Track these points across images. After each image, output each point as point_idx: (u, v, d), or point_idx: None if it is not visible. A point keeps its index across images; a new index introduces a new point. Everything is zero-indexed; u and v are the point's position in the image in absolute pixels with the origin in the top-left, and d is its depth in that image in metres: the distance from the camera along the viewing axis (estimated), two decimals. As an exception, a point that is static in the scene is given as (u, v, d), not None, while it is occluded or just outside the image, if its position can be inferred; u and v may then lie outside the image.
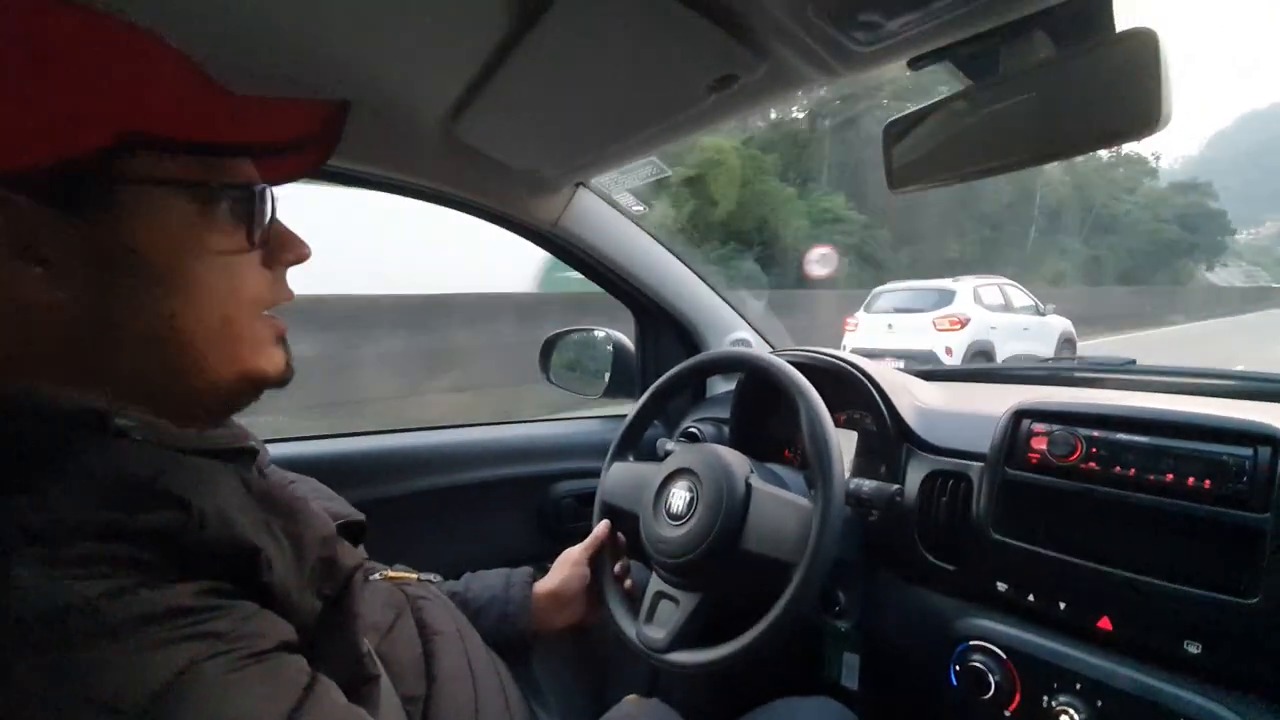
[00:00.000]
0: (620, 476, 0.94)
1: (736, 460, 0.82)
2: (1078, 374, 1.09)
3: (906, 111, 0.69)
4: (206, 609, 0.36)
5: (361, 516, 0.61)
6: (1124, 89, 0.54)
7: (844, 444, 0.98)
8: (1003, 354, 7.16)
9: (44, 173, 0.37)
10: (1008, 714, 0.72)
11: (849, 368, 0.99)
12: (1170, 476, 0.65)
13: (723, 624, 0.76)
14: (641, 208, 1.20)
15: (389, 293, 7.07)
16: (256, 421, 0.54)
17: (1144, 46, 0.52)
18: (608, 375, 1.38)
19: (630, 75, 0.73)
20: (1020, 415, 0.77)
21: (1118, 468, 0.68)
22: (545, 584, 0.84)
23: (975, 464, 0.81)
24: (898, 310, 7.62)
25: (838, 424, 0.78)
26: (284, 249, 0.49)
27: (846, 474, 0.77)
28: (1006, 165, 0.66)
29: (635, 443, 0.99)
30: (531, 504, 1.28)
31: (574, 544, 0.92)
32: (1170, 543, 0.65)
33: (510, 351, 6.88)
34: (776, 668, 0.99)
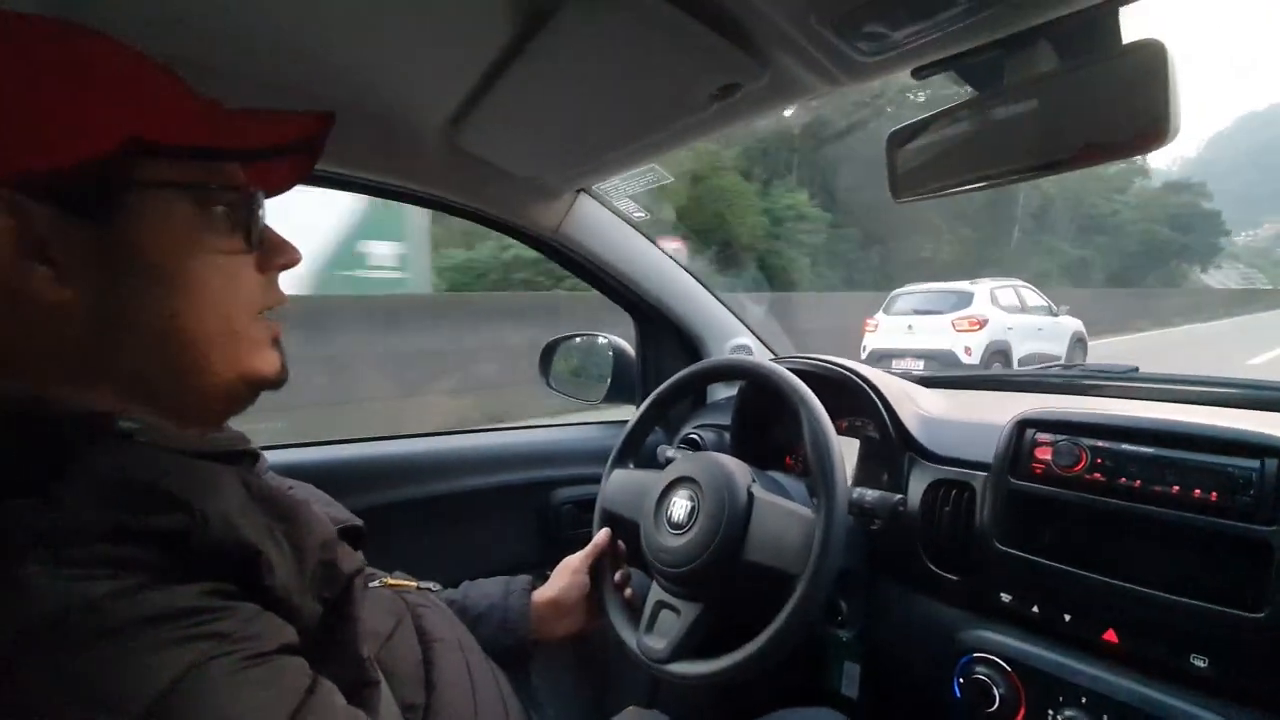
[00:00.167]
0: (621, 484, 0.94)
1: (738, 469, 0.81)
2: (1080, 381, 1.08)
3: (910, 121, 0.69)
4: (210, 610, 0.36)
5: (359, 522, 0.62)
6: (1131, 101, 0.54)
7: (846, 452, 0.98)
8: (1019, 353, 7.47)
9: (53, 177, 0.39)
10: None
11: (850, 375, 0.99)
12: (1176, 488, 0.65)
13: (724, 634, 0.76)
14: (643, 214, 1.19)
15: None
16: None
17: (1151, 58, 0.52)
18: (608, 381, 1.37)
19: (632, 83, 0.73)
20: (1024, 425, 0.77)
21: (1123, 479, 0.68)
22: (544, 592, 0.84)
23: (979, 474, 0.80)
24: (917, 312, 7.82)
25: (839, 431, 0.78)
26: (276, 254, 0.51)
27: (849, 482, 0.76)
28: (1010, 176, 0.65)
29: (636, 450, 0.99)
30: (531, 510, 1.27)
31: (574, 551, 0.91)
32: (1176, 555, 0.64)
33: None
34: (777, 677, 0.99)
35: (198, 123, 0.44)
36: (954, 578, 0.80)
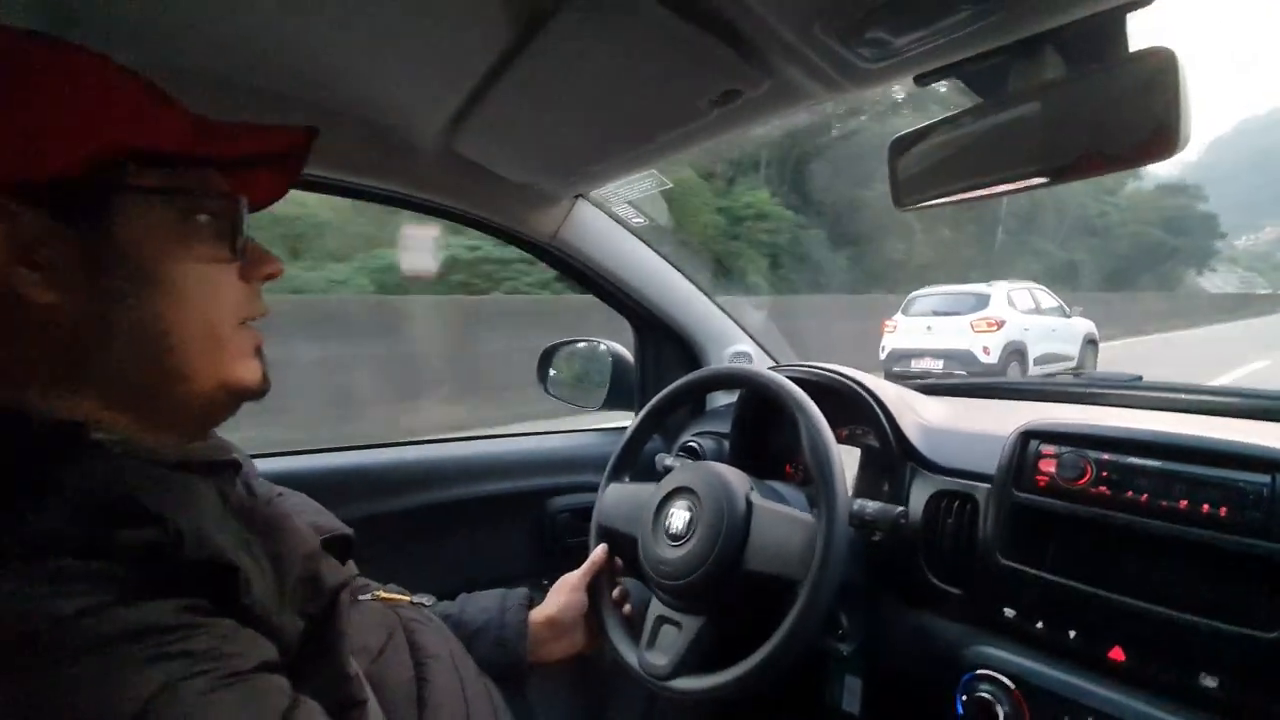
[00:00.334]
0: (617, 498, 0.92)
1: (736, 477, 0.80)
2: (1082, 390, 1.07)
3: (913, 128, 0.68)
4: (184, 627, 0.35)
5: (348, 531, 0.61)
6: (1139, 109, 0.53)
7: (845, 461, 0.97)
8: (1034, 353, 7.81)
9: (43, 183, 0.39)
10: None
11: (850, 383, 0.98)
12: (1184, 503, 0.63)
13: (727, 648, 0.75)
14: (642, 219, 1.18)
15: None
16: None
17: (1161, 66, 0.51)
18: (606, 387, 1.36)
19: (631, 90, 0.72)
20: (1028, 436, 0.76)
21: (1129, 492, 0.67)
22: (542, 611, 0.82)
23: (981, 485, 0.79)
24: (935, 313, 8.05)
25: (839, 440, 0.76)
26: (260, 264, 0.51)
27: (849, 491, 0.75)
28: (1014, 184, 0.64)
29: (632, 463, 0.97)
30: (528, 519, 1.26)
31: (570, 560, 0.90)
32: (1185, 571, 0.63)
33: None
34: (777, 692, 0.97)
35: (180, 130, 0.45)
36: (956, 592, 0.78)
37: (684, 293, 1.29)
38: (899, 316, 8.37)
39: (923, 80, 0.63)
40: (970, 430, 0.89)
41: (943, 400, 1.06)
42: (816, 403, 0.78)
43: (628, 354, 1.39)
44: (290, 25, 0.66)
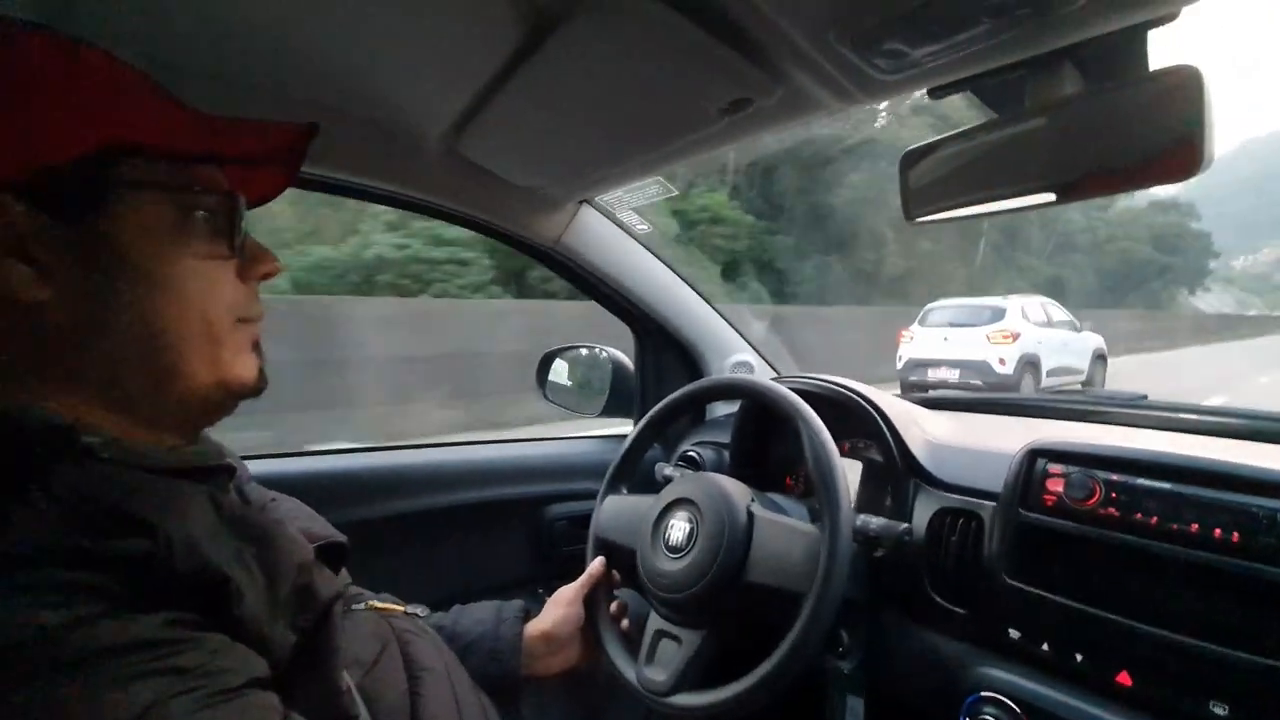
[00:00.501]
0: (615, 510, 0.91)
1: (736, 489, 0.79)
2: (1086, 408, 1.06)
3: (925, 141, 0.67)
4: (172, 642, 0.35)
5: (343, 538, 0.60)
6: (1160, 128, 0.52)
7: (848, 474, 0.96)
8: (1047, 365, 8.10)
9: (35, 177, 0.39)
10: None
11: (854, 396, 0.96)
12: (1195, 527, 0.62)
13: (727, 663, 0.73)
14: (646, 226, 1.17)
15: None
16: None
17: (1184, 85, 0.50)
18: (606, 394, 1.35)
19: (640, 96, 0.71)
20: (1035, 454, 0.75)
21: (1138, 514, 0.66)
22: (538, 624, 0.80)
23: (987, 503, 0.78)
24: (952, 324, 8.31)
25: (841, 453, 0.76)
26: (258, 262, 0.50)
27: (852, 504, 0.74)
28: (1026, 201, 0.63)
29: (630, 474, 0.96)
30: (524, 527, 1.24)
31: (567, 569, 0.89)
32: (1195, 596, 0.62)
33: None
34: (777, 710, 0.96)
35: (180, 126, 0.44)
36: (961, 611, 0.77)
37: (686, 301, 1.28)
38: (915, 327, 8.64)
39: (937, 93, 0.63)
40: (975, 447, 0.88)
41: (946, 415, 1.05)
42: (818, 415, 0.77)
43: (628, 361, 1.38)
44: (297, 22, 0.65)
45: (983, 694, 0.72)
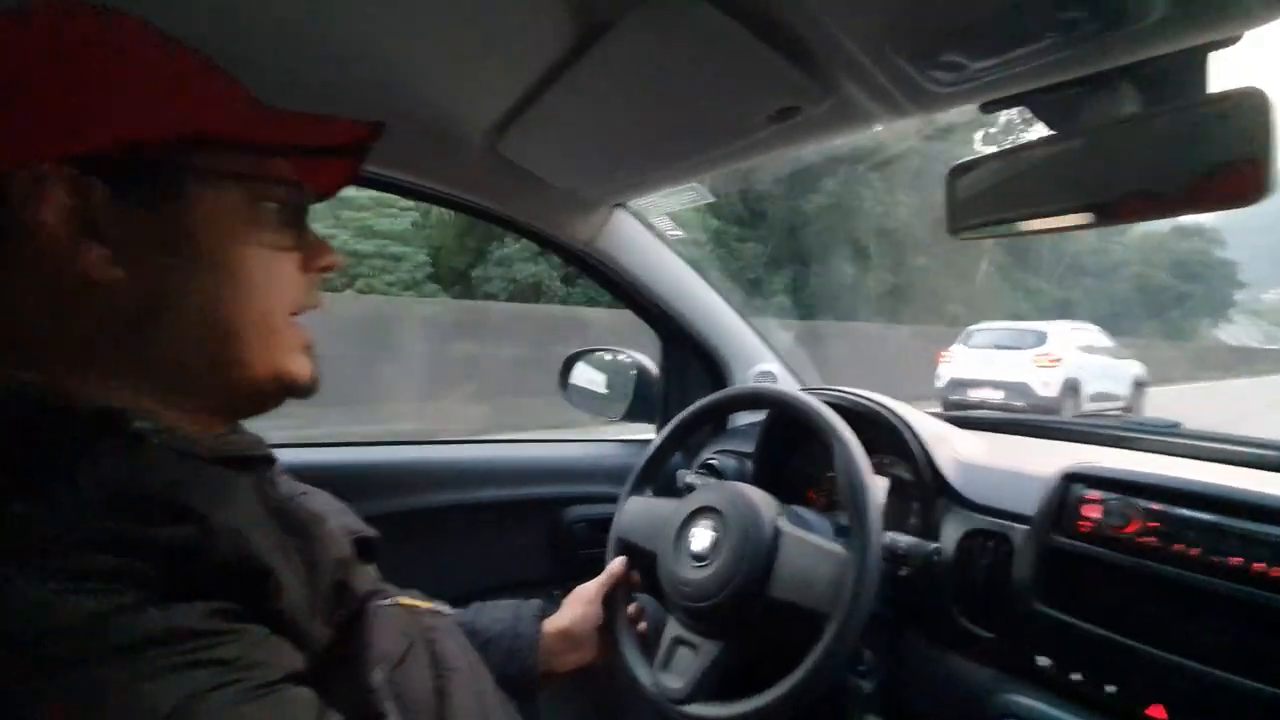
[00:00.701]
0: (638, 512, 0.90)
1: (764, 501, 0.78)
2: (1118, 434, 1.04)
3: (974, 155, 0.66)
4: (214, 633, 0.34)
5: (373, 533, 0.60)
6: (1220, 152, 0.51)
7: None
8: (1088, 391, 8.32)
9: (117, 160, 0.39)
10: None
11: (883, 411, 0.95)
12: (1238, 560, 0.61)
13: (743, 676, 0.72)
14: (679, 232, 1.17)
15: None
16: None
17: (1248, 107, 0.49)
18: (629, 399, 1.35)
19: (687, 101, 0.71)
20: (1070, 479, 0.73)
21: (1178, 545, 0.64)
22: (556, 621, 0.80)
23: (1018, 526, 0.77)
24: (997, 347, 8.61)
25: None
26: (318, 255, 0.50)
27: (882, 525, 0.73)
28: (1075, 221, 0.62)
29: (654, 477, 0.96)
30: (542, 527, 1.24)
31: (584, 571, 0.88)
32: (1236, 631, 0.60)
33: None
34: None
35: (253, 118, 0.45)
36: (987, 635, 0.76)
37: (714, 308, 1.28)
38: (957, 347, 8.97)
39: (990, 107, 0.62)
40: (1007, 468, 0.87)
41: (977, 435, 1.04)
42: None
43: (652, 366, 1.37)
44: (345, 17, 0.66)
45: None
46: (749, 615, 0.73)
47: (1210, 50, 0.54)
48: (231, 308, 0.43)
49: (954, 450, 0.91)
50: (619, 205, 1.11)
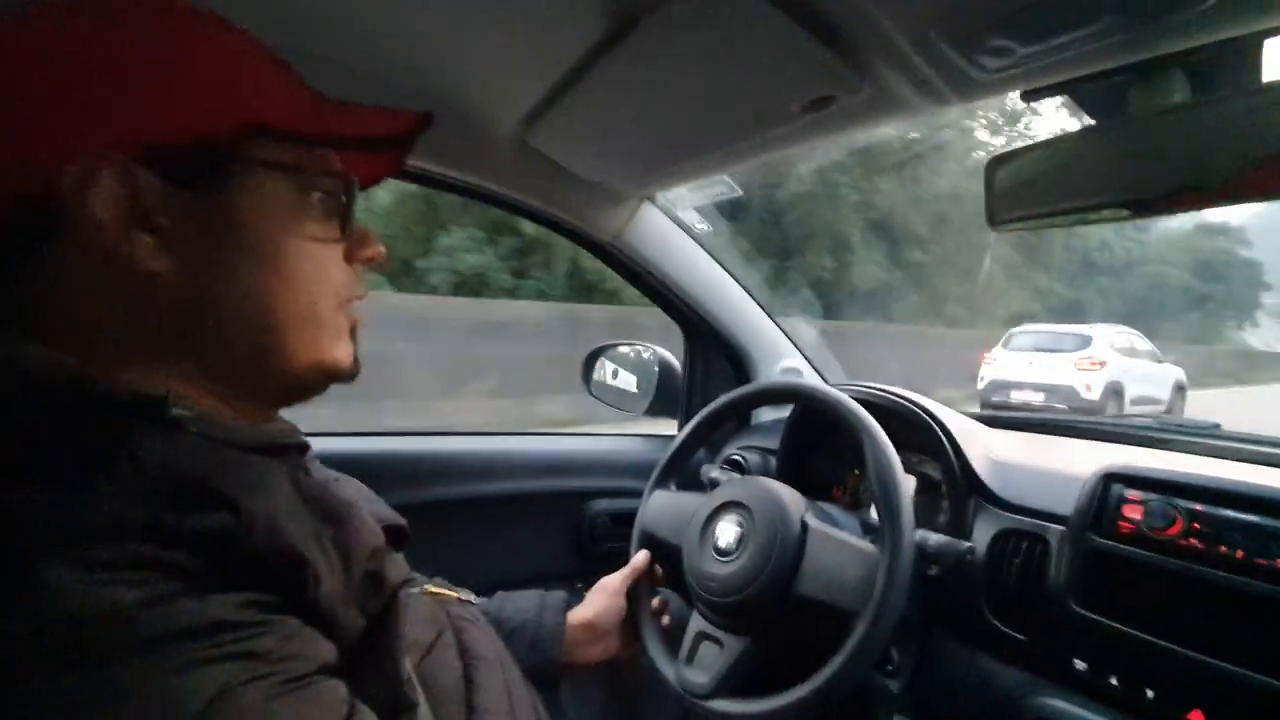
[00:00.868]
0: (662, 505, 0.90)
1: (791, 497, 0.78)
2: (1156, 435, 1.02)
3: (1015, 146, 0.65)
4: (248, 625, 0.34)
5: (403, 522, 0.60)
6: (1275, 143, 0.49)
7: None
8: (1130, 395, 8.33)
9: (171, 150, 0.39)
10: None
11: (914, 408, 0.94)
12: None
13: (767, 672, 0.72)
14: (706, 226, 1.17)
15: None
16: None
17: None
18: (652, 393, 1.34)
19: (720, 90, 0.70)
20: (1110, 479, 0.72)
21: (1223, 547, 0.62)
22: (580, 613, 0.80)
23: (1054, 526, 0.75)
24: (1038, 350, 8.57)
25: None
26: (363, 247, 0.50)
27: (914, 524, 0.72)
28: (1120, 213, 0.61)
29: (679, 470, 0.95)
30: (565, 520, 1.24)
31: (605, 566, 0.88)
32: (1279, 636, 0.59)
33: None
34: None
35: (304, 109, 0.45)
36: (1020, 637, 0.74)
37: (740, 304, 1.27)
38: (999, 350, 8.94)
39: (1032, 96, 0.61)
40: (1041, 467, 0.85)
41: (1009, 434, 1.02)
42: None
43: (675, 361, 1.37)
44: (377, 14, 0.66)
45: None
46: (775, 612, 0.72)
47: (1267, 36, 0.52)
48: (278, 299, 0.44)
49: (986, 449, 0.90)
50: (647, 198, 1.10)
